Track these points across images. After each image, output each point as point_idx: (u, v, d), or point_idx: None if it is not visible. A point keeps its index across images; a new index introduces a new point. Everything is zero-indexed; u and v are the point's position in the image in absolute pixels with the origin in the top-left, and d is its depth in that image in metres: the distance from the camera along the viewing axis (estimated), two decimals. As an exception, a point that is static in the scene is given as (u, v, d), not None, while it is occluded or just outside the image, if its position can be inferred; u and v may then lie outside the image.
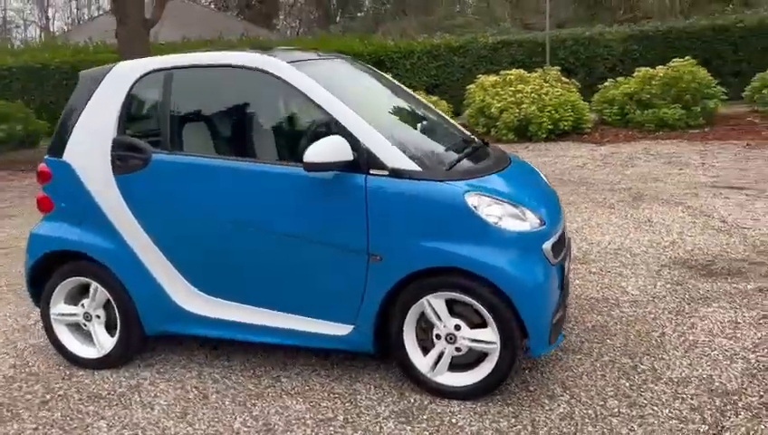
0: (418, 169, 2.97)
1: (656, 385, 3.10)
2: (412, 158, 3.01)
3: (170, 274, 3.41)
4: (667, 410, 2.88)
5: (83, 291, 3.65)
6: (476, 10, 27.03)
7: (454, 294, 2.97)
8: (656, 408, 2.90)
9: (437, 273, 2.97)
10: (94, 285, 3.51)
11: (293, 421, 2.97)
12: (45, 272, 3.64)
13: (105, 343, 3.57)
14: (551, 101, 12.27)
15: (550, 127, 11.99)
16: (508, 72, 13.34)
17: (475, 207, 2.91)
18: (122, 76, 3.48)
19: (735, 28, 16.12)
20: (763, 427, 2.71)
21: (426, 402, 3.06)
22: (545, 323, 2.93)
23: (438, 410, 2.98)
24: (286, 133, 3.58)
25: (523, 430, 2.80)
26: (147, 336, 3.57)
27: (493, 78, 13.32)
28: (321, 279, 3.17)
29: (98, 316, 3.57)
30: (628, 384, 3.12)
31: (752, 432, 2.69)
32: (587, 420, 2.84)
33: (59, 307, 3.63)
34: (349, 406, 3.07)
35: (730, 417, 2.80)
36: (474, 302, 2.94)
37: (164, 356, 3.70)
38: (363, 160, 2.97)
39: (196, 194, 3.28)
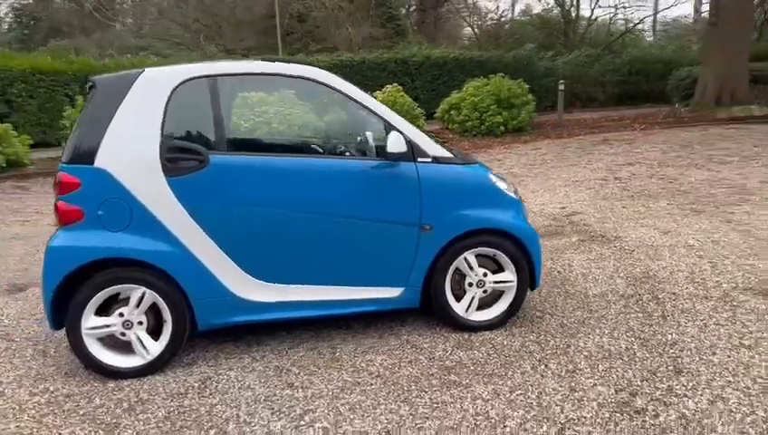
0: (451, 155, 3.89)
1: (588, 299, 4.52)
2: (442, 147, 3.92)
3: (228, 267, 3.65)
4: (612, 310, 4.31)
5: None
6: (154, 32, 26.69)
7: (484, 249, 3.95)
8: (604, 311, 4.31)
9: (472, 234, 3.91)
10: (140, 290, 3.52)
11: (390, 366, 3.60)
12: (68, 288, 3.50)
13: (152, 347, 3.59)
14: (295, 121, 13.47)
15: (296, 144, 13.12)
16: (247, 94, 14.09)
17: (495, 182, 3.95)
18: (158, 82, 3.59)
19: (411, 61, 19.48)
20: (667, 307, 4.31)
21: (467, 336, 3.97)
22: (541, 262, 4.11)
23: (482, 339, 3.93)
24: (337, 131, 4.08)
25: (547, 336, 3.93)
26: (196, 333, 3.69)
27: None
28: (378, 252, 3.83)
29: (140, 323, 3.58)
30: (575, 302, 4.48)
31: (662, 308, 4.26)
32: (575, 324, 4.10)
33: (91, 321, 3.52)
34: (416, 350, 3.81)
35: (645, 305, 4.35)
36: (497, 252, 3.96)
37: (193, 356, 3.84)
38: (410, 151, 3.76)
39: (260, 189, 3.62)
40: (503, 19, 27.36)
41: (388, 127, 3.75)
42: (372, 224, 3.78)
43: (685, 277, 4.89)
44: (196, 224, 3.56)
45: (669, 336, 3.87)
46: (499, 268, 4.04)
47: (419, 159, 3.79)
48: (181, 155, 3.54)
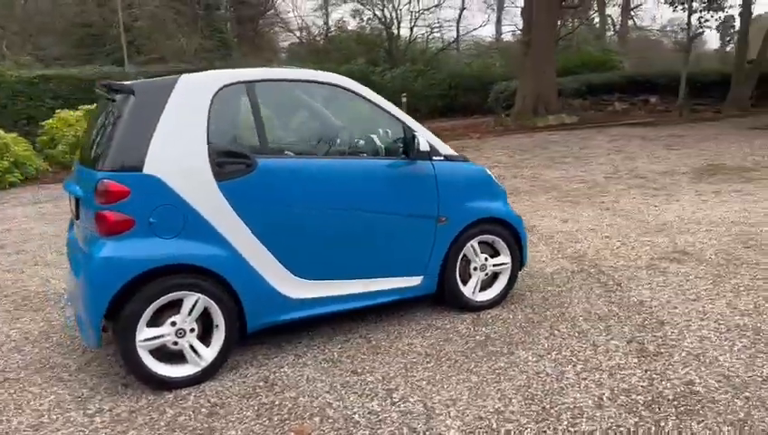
0: (457, 154, 4.35)
1: (549, 277, 5.23)
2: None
3: (274, 266, 3.75)
4: (574, 283, 5.04)
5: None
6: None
7: (486, 236, 4.46)
8: (569, 284, 5.03)
9: (477, 223, 4.40)
10: (194, 296, 3.51)
11: (431, 346, 3.95)
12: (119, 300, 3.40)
13: (206, 354, 3.58)
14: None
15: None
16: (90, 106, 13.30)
17: (490, 175, 4.49)
18: (199, 88, 3.60)
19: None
20: (615, 277, 5.14)
21: (476, 315, 4.43)
22: (527, 244, 4.72)
23: (490, 316, 4.42)
24: (361, 134, 4.26)
25: (541, 309, 4.53)
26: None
27: (78, 113, 13.04)
28: (403, 244, 4.16)
29: (192, 330, 3.56)
30: (541, 280, 5.15)
31: (611, 278, 5.08)
32: (555, 297, 4.75)
33: (144, 333, 3.43)
34: (442, 331, 4.19)
35: (597, 277, 5.15)
36: (495, 238, 4.49)
37: (233, 362, 3.88)
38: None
39: (303, 190, 3.78)
40: (329, 34, 28.15)
41: (407, 129, 4.11)
42: (398, 218, 4.11)
43: (609, 254, 5.81)
44: (245, 226, 3.62)
45: (633, 299, 4.66)
46: (495, 253, 4.56)
47: (434, 158, 4.19)
48: (229, 160, 3.59)
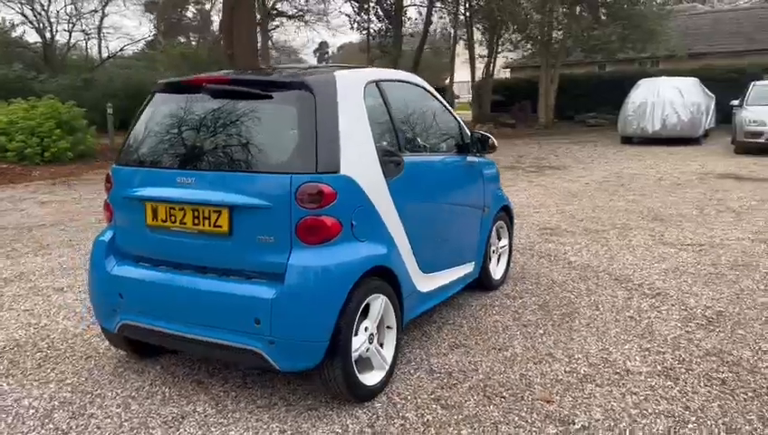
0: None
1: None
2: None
3: (413, 262, 3.76)
4: (526, 258, 6.01)
5: None
6: None
7: (499, 222, 5.11)
8: (534, 253, 5.98)
9: (500, 211, 5.01)
10: (380, 299, 3.42)
11: (512, 319, 4.43)
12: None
13: (387, 356, 3.51)
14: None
15: None
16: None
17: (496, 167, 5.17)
18: (353, 84, 3.44)
19: None
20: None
21: (503, 292, 5.01)
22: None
23: (515, 290, 5.04)
24: (436, 130, 4.32)
25: (541, 281, 5.36)
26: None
27: None
28: (468, 233, 4.54)
29: (374, 333, 3.45)
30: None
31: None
32: (539, 268, 5.65)
33: (353, 344, 3.24)
34: (502, 308, 4.68)
35: (550, 257, 6.21)
36: (503, 223, 5.18)
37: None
38: (475, 146, 4.66)
39: (431, 186, 3.95)
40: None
41: (460, 126, 4.52)
42: (468, 209, 4.49)
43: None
44: (401, 224, 3.63)
45: (577, 263, 5.82)
46: (497, 236, 5.22)
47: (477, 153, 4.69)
48: (388, 158, 3.53)
